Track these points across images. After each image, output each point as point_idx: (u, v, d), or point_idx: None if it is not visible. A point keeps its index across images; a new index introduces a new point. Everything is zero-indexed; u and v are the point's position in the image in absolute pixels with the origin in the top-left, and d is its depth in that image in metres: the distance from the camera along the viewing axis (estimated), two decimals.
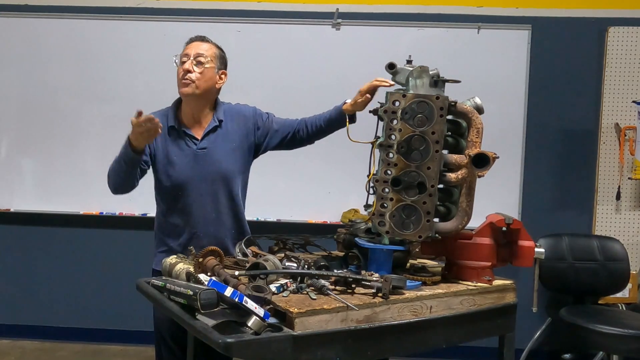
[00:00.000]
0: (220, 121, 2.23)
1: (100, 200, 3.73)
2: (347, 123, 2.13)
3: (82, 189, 3.76)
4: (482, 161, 1.78)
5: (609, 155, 3.64)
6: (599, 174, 3.65)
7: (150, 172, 2.23)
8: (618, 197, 3.62)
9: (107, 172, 2.14)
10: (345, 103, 2.16)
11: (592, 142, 3.67)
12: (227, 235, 2.22)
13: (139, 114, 1.93)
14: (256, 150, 2.31)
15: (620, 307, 3.52)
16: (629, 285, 3.44)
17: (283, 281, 1.70)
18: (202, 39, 2.23)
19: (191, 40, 2.23)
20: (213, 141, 2.21)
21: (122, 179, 2.12)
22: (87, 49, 3.74)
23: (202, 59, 2.16)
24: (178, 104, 2.27)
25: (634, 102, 3.60)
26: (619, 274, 3.34)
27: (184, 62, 2.16)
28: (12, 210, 3.81)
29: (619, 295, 3.45)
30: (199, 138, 2.20)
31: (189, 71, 2.14)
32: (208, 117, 2.23)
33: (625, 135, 3.59)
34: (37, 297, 3.93)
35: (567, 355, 3.63)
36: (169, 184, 2.19)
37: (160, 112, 2.24)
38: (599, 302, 3.47)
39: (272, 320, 1.51)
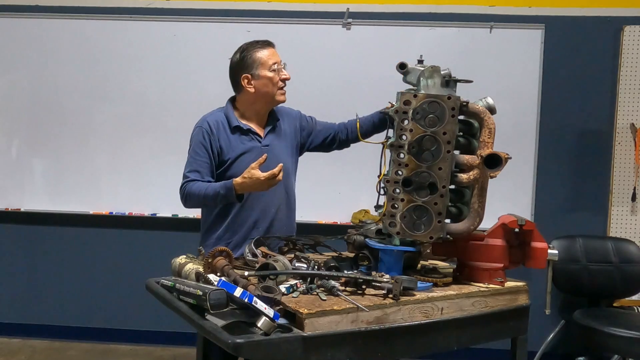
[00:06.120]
0: (277, 120, 2.33)
1: (110, 200, 3.75)
2: (357, 122, 2.12)
3: (92, 188, 3.78)
4: (494, 162, 1.77)
5: (625, 156, 3.59)
6: (614, 175, 3.60)
7: None
8: (634, 198, 3.57)
9: (186, 194, 2.19)
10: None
11: (607, 142, 3.63)
12: (280, 228, 2.29)
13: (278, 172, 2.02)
14: (300, 149, 2.41)
15: (636, 310, 3.47)
16: None
17: (293, 282, 1.69)
18: (274, 45, 2.32)
19: (266, 45, 2.29)
20: (273, 139, 2.30)
21: (205, 206, 2.28)
22: (97, 49, 3.75)
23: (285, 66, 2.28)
24: (232, 103, 2.32)
25: None
26: (635, 276, 3.29)
27: (280, 70, 2.26)
28: (22, 210, 3.83)
29: (634, 297, 3.42)
30: (262, 136, 2.28)
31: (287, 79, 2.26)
32: (267, 115, 2.32)
33: None
34: (47, 297, 3.95)
35: (581, 358, 3.59)
36: None
37: (213, 115, 2.28)
38: (614, 304, 3.43)
39: (281, 321, 1.50)
